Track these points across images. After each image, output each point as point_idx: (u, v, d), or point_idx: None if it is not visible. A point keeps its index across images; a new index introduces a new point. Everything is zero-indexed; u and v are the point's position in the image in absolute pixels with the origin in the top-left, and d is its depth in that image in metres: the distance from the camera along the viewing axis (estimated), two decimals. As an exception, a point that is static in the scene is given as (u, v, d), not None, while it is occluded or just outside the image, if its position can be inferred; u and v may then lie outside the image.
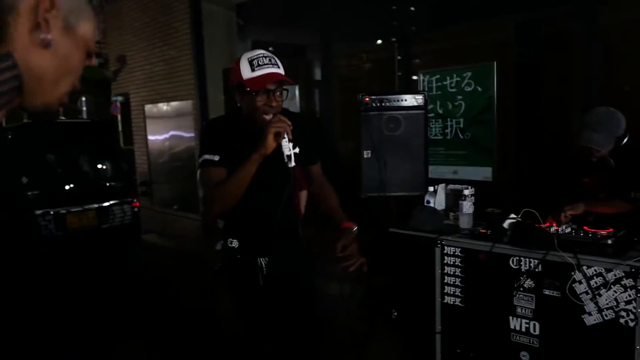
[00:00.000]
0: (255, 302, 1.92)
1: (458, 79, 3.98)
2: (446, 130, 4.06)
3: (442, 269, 2.50)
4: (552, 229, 2.29)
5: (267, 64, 1.76)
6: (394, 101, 3.17)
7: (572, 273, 2.07)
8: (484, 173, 3.86)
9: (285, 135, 1.67)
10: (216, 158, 1.79)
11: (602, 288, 2.01)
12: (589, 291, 2.04)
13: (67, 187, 4.95)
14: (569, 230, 2.28)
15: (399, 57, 4.65)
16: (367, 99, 3.17)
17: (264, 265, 1.90)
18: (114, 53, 7.90)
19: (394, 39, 4.97)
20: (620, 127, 2.39)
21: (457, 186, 2.86)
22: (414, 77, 4.38)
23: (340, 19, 5.35)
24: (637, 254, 2.01)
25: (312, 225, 2.20)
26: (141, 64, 7.15)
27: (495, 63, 3.70)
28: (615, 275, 1.99)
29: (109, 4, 7.68)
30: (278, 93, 1.78)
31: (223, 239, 1.99)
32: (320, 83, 5.41)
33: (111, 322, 3.83)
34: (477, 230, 2.51)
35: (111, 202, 5.12)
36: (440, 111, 4.03)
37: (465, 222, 2.62)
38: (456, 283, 2.45)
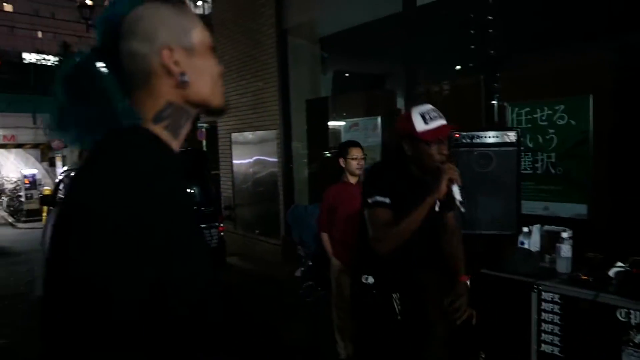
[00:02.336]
0: (393, 337, 2.06)
1: (549, 112, 3.85)
2: (536, 165, 3.93)
3: (539, 314, 2.41)
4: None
5: (437, 117, 1.98)
6: (486, 137, 3.13)
7: (691, 331, 1.93)
8: (578, 210, 3.68)
9: (455, 183, 1.88)
10: (387, 200, 1.96)
11: None
12: None
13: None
14: (685, 282, 2.13)
15: (485, 89, 4.59)
16: (457, 134, 3.17)
17: (397, 301, 2.05)
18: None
19: (479, 70, 4.92)
20: None
21: (554, 227, 2.76)
22: (502, 109, 4.29)
23: (424, 49, 5.38)
24: None
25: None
26: (230, 94, 7.59)
27: (591, 96, 3.56)
28: None
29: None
30: (446, 142, 2.00)
31: (355, 275, 2.15)
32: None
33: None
34: (578, 276, 2.40)
35: (201, 226, 5.42)
36: (531, 145, 3.92)
37: (563, 267, 2.52)
38: (554, 331, 2.35)
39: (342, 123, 6.19)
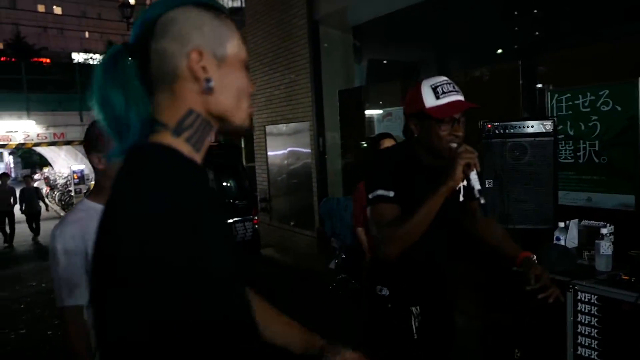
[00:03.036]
0: (407, 355, 1.79)
1: (592, 97, 3.63)
2: (578, 154, 3.73)
3: (575, 316, 2.28)
4: None
5: (452, 91, 1.64)
6: (520, 127, 2.98)
7: None
8: (623, 201, 3.46)
9: (474, 168, 1.54)
10: (391, 194, 1.65)
11: None
12: None
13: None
14: None
15: (523, 74, 4.38)
16: (489, 125, 3.03)
17: (416, 315, 1.77)
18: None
19: (517, 55, 4.69)
20: None
21: (593, 222, 2.60)
22: (541, 95, 4.08)
23: (459, 35, 5.19)
24: None
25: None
26: (263, 87, 7.61)
27: (639, 80, 3.32)
28: None
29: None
30: (463, 122, 1.65)
31: (369, 285, 1.86)
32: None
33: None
34: (619, 275, 2.25)
35: (235, 219, 5.50)
36: (571, 133, 3.71)
37: (602, 265, 2.36)
38: (592, 334, 2.22)
39: (375, 113, 6.10)
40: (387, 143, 3.38)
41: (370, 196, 1.69)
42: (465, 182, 1.65)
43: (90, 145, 1.65)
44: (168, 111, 0.80)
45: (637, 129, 3.36)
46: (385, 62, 6.82)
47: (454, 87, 1.65)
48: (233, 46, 0.85)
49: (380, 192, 1.66)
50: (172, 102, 0.81)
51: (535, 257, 1.75)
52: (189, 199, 0.73)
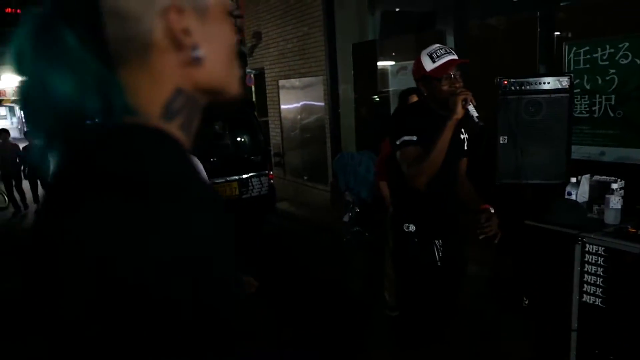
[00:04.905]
0: (432, 282, 2.18)
1: (612, 50, 3.60)
2: (593, 108, 3.74)
3: (582, 267, 2.39)
4: None
5: (445, 53, 2.08)
6: (535, 84, 3.00)
7: None
8: (636, 155, 3.51)
9: (471, 102, 1.99)
10: (414, 138, 2.05)
11: None
12: None
13: (212, 161, 5.40)
14: None
15: (541, 26, 4.30)
16: (505, 82, 3.05)
17: (439, 247, 2.16)
18: (249, 29, 8.41)
19: (535, 6, 4.59)
20: None
21: (604, 177, 2.67)
22: (559, 48, 4.03)
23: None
24: None
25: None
26: (276, 40, 7.53)
27: (660, 32, 3.28)
28: None
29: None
30: (459, 75, 2.09)
31: (396, 224, 2.23)
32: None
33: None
34: (626, 228, 2.34)
35: (251, 174, 5.60)
36: (588, 87, 3.71)
37: (611, 218, 2.45)
38: (597, 283, 2.34)
39: (390, 66, 6.04)
40: (415, 98, 3.43)
41: (397, 142, 2.08)
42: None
43: None
44: (145, 94, 0.59)
45: (655, 83, 3.35)
46: (399, 13, 6.67)
47: (446, 50, 2.10)
48: None
49: (405, 137, 2.06)
50: (149, 82, 0.59)
51: (492, 209, 2.17)
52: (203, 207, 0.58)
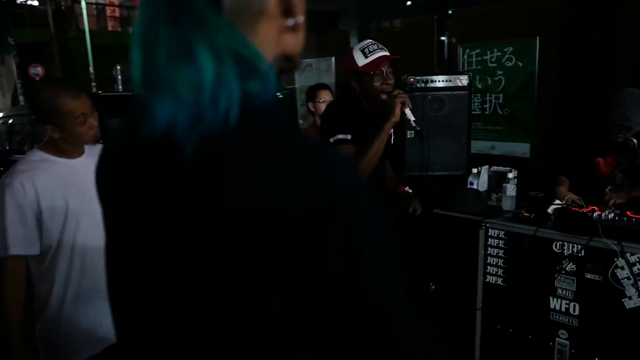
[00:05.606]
0: None
1: (499, 53, 3.97)
2: (485, 105, 4.10)
3: (486, 249, 2.62)
4: (595, 215, 2.37)
5: (377, 49, 2.08)
6: (439, 82, 3.21)
7: (615, 259, 2.17)
8: (522, 149, 3.91)
9: (407, 106, 2.05)
10: (348, 137, 2.04)
11: (644, 275, 2.11)
12: (631, 277, 2.14)
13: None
14: (612, 216, 2.36)
15: (438, 28, 4.61)
16: (412, 79, 3.22)
17: None
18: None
19: (432, 9, 4.91)
20: None
21: (501, 168, 2.94)
22: (454, 50, 4.36)
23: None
24: (681, 242, 2.09)
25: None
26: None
27: (538, 38, 3.68)
28: (658, 263, 2.08)
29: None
30: (391, 72, 2.11)
31: None
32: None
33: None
34: (521, 213, 2.60)
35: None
36: (480, 86, 4.06)
37: (508, 205, 2.71)
38: (499, 264, 2.57)
39: (295, 63, 6.08)
40: (323, 94, 3.48)
41: (331, 140, 2.04)
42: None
43: (46, 116, 1.55)
44: None
45: (534, 84, 3.76)
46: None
47: (378, 45, 2.11)
48: None
49: (340, 136, 2.04)
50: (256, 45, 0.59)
51: (410, 190, 2.48)
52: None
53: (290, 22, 0.62)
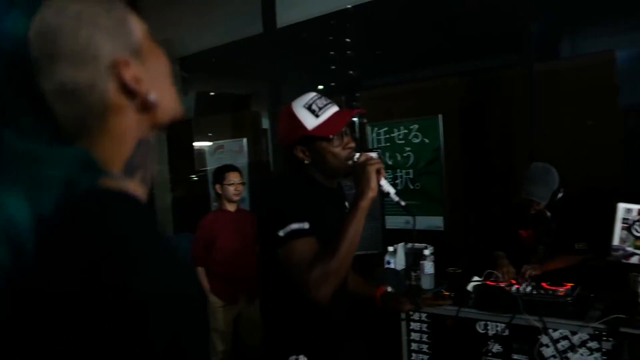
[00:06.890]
0: None
1: (405, 131, 4.07)
2: (397, 181, 4.12)
3: (409, 335, 2.43)
4: (514, 288, 2.31)
5: (326, 104, 1.53)
6: (349, 160, 3.16)
7: (539, 336, 2.07)
8: (435, 222, 3.92)
9: (383, 176, 1.47)
10: (306, 226, 1.41)
11: (569, 351, 2.01)
12: (557, 355, 2.04)
13: None
14: (529, 289, 2.30)
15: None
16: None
17: None
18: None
19: (341, 91, 5.05)
20: (556, 181, 2.54)
21: (417, 245, 2.85)
22: (363, 128, 4.44)
23: (286, 69, 5.38)
24: (597, 313, 2.05)
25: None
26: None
27: (440, 116, 3.83)
28: (580, 338, 2.00)
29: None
30: (349, 132, 1.57)
31: (281, 355, 1.51)
32: (267, 133, 5.37)
33: None
34: (441, 291, 2.47)
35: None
36: (390, 162, 4.10)
37: (427, 283, 2.59)
38: (423, 349, 2.39)
39: (206, 146, 5.93)
40: (232, 176, 3.29)
41: (281, 234, 1.41)
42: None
43: None
44: (108, 156, 0.58)
45: (441, 160, 3.86)
46: (215, 94, 6.72)
47: (325, 99, 1.56)
48: (136, 24, 0.61)
49: (294, 226, 1.40)
50: (111, 144, 0.58)
51: (390, 289, 1.80)
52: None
53: (149, 98, 0.59)
